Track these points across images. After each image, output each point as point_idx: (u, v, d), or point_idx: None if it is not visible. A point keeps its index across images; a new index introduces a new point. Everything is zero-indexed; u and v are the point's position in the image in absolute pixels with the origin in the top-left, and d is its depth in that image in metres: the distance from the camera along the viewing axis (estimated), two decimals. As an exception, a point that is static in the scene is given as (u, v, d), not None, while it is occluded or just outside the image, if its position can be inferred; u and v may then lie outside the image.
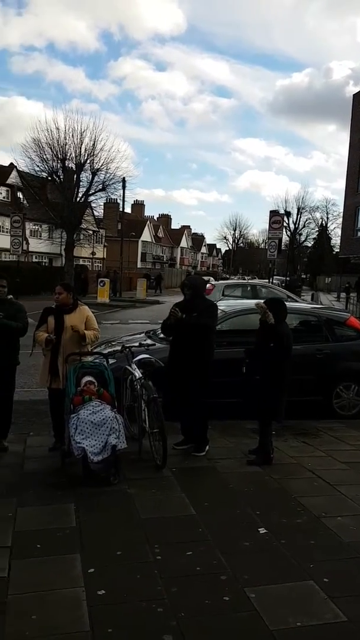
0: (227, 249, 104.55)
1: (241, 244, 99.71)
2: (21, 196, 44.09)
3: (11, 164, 42.92)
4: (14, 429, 6.13)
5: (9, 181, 44.07)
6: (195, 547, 3.68)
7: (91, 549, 3.61)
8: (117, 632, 2.77)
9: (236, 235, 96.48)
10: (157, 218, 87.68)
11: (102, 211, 44.95)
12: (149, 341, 7.05)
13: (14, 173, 43.09)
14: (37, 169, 30.16)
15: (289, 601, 3.09)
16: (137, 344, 6.43)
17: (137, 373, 5.63)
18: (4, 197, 44.35)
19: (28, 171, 32.11)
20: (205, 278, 39.71)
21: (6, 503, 4.27)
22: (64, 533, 3.83)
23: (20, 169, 35.92)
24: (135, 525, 3.98)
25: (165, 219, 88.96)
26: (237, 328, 7.27)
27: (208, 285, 17.58)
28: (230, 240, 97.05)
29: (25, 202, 42.96)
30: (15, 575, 3.27)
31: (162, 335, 6.86)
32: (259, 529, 3.97)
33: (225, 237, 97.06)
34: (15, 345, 5.52)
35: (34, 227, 44.71)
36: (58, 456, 5.14)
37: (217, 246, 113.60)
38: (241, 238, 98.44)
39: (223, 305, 7.91)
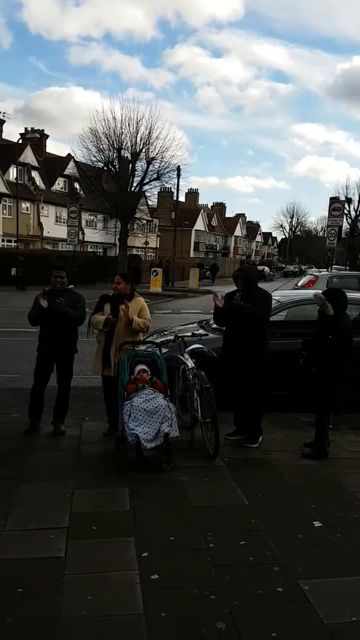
0: (284, 237, 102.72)
1: (298, 232, 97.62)
2: (78, 187, 44.93)
3: (69, 154, 43.78)
4: (71, 414, 6.31)
5: (67, 172, 45.01)
6: (248, 537, 3.67)
7: (145, 533, 3.67)
8: (171, 617, 2.81)
9: (293, 223, 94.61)
10: (211, 206, 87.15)
11: (156, 200, 45.22)
12: (201, 331, 7.05)
13: (71, 164, 43.96)
14: (93, 159, 30.54)
15: (344, 596, 3.04)
16: (189, 334, 6.44)
17: (190, 363, 5.64)
18: (61, 188, 45.35)
19: (85, 161, 32.58)
20: (260, 267, 39.21)
21: (64, 484, 4.40)
22: (118, 516, 3.91)
23: (77, 160, 36.51)
24: (187, 513, 4.02)
25: (219, 207, 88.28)
26: (293, 319, 7.14)
27: (311, 277, 16.97)
28: (287, 228, 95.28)
29: (81, 192, 43.73)
30: (71, 555, 3.37)
31: (214, 326, 6.84)
32: (314, 522, 3.92)
33: (281, 225, 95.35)
34: (74, 333, 5.68)
35: (89, 217, 45.53)
36: (112, 441, 5.24)
37: (273, 234, 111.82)
38: (298, 226, 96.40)
39: (278, 295, 7.79)
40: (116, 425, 5.36)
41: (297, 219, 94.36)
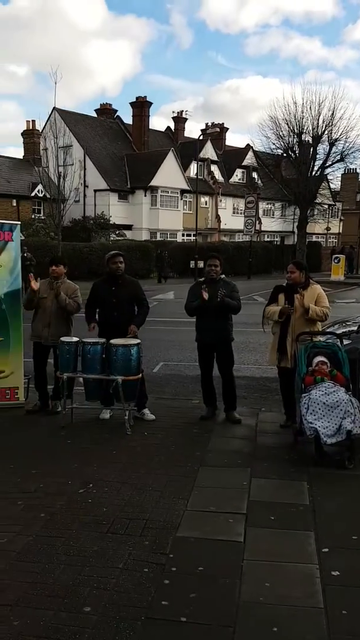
0: None
1: None
2: (256, 176, 45.08)
3: (247, 145, 44.16)
4: (247, 404, 6.44)
5: (245, 162, 45.45)
6: None
7: (325, 529, 3.60)
8: (352, 615, 2.73)
9: None
10: None
11: (339, 183, 43.24)
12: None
13: (249, 154, 44.26)
14: (272, 146, 30.41)
15: None
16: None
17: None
18: (239, 179, 45.96)
19: (264, 150, 32.57)
20: None
21: (241, 472, 4.52)
22: (298, 509, 3.89)
23: (255, 149, 36.63)
24: (370, 514, 3.83)
25: None
26: None
27: None
28: None
29: (259, 181, 43.82)
30: (250, 541, 3.45)
31: None
32: None
33: None
34: (230, 322, 5.81)
35: (266, 206, 45.43)
36: (290, 433, 5.22)
37: None
38: None
39: None
40: (294, 417, 5.31)
41: None
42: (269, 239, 44.34)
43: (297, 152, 29.43)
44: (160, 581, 3.01)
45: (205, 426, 5.70)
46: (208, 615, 2.74)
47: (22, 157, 36.32)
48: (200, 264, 25.64)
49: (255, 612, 2.77)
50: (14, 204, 31.73)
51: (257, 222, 36.90)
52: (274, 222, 42.67)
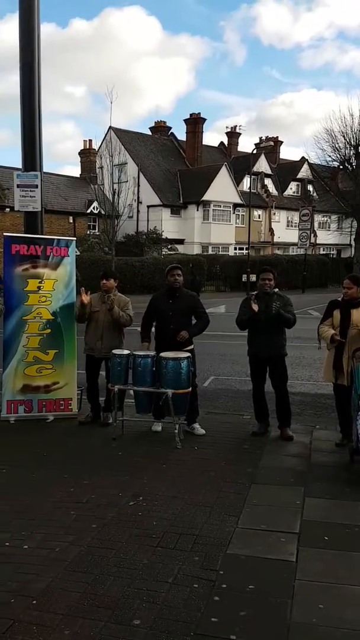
0: None
1: None
2: (311, 188, 44.59)
3: (302, 158, 43.84)
4: (300, 421, 6.30)
5: (299, 175, 45.13)
6: None
7: (381, 553, 3.46)
8: None
9: None
10: None
11: None
12: None
13: (304, 167, 43.93)
14: (328, 159, 30.14)
15: None
16: None
17: None
18: (293, 192, 45.61)
19: (319, 162, 32.26)
20: None
21: (295, 491, 4.42)
22: (353, 530, 3.76)
23: (310, 162, 36.30)
24: None
25: None
26: None
27: None
28: None
29: (314, 194, 43.30)
30: (302, 561, 3.36)
31: None
32: None
33: None
34: (284, 335, 5.75)
35: (322, 218, 44.80)
36: (346, 452, 5.07)
37: None
38: None
39: None
40: (350, 435, 5.16)
41: None
42: (324, 252, 43.62)
43: (353, 164, 28.97)
44: (209, 597, 2.98)
45: (257, 442, 5.62)
46: (258, 634, 2.68)
47: (78, 176, 37.50)
48: (253, 278, 25.58)
49: (307, 634, 2.69)
50: (71, 221, 32.72)
51: (312, 235, 36.42)
52: (330, 234, 41.99)
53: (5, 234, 6.87)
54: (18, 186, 6.73)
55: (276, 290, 5.85)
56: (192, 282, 27.46)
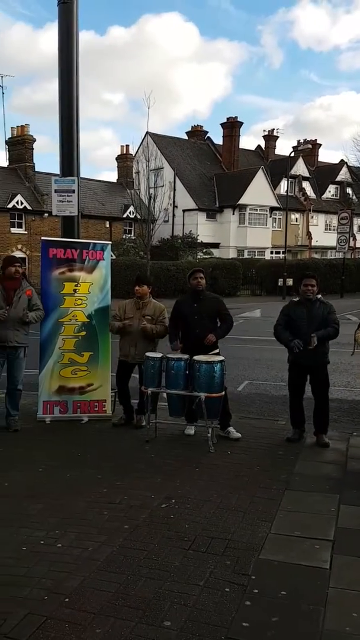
0: None
1: None
2: (350, 191, 43.90)
3: (341, 160, 43.24)
4: (337, 427, 6.19)
5: (338, 178, 44.45)
6: None
7: None
8: None
9: None
10: None
11: None
12: None
13: (343, 169, 43.27)
14: (367, 162, 29.57)
15: None
16: None
17: None
18: (332, 195, 44.96)
19: (359, 165, 31.73)
20: None
21: (330, 498, 4.34)
22: (388, 540, 3.66)
23: (350, 165, 35.74)
24: None
25: None
26: None
27: None
28: None
29: (354, 197, 42.63)
30: (337, 569, 3.30)
31: None
32: None
33: None
34: (326, 344, 5.61)
35: (361, 222, 43.98)
36: (383, 459, 4.95)
37: None
38: None
39: None
40: (387, 442, 5.04)
41: None
42: (363, 256, 42.78)
43: (394, 165, 28.39)
44: (241, 602, 2.95)
45: (292, 448, 5.55)
46: (289, 642, 2.65)
47: (115, 181, 37.96)
48: (290, 282, 25.31)
49: (340, 644, 2.63)
50: (107, 225, 33.18)
51: (352, 238, 35.79)
52: (369, 238, 41.23)
53: (42, 238, 7.02)
54: (56, 191, 6.87)
55: (319, 296, 5.68)
56: (212, 286, 27.32)
